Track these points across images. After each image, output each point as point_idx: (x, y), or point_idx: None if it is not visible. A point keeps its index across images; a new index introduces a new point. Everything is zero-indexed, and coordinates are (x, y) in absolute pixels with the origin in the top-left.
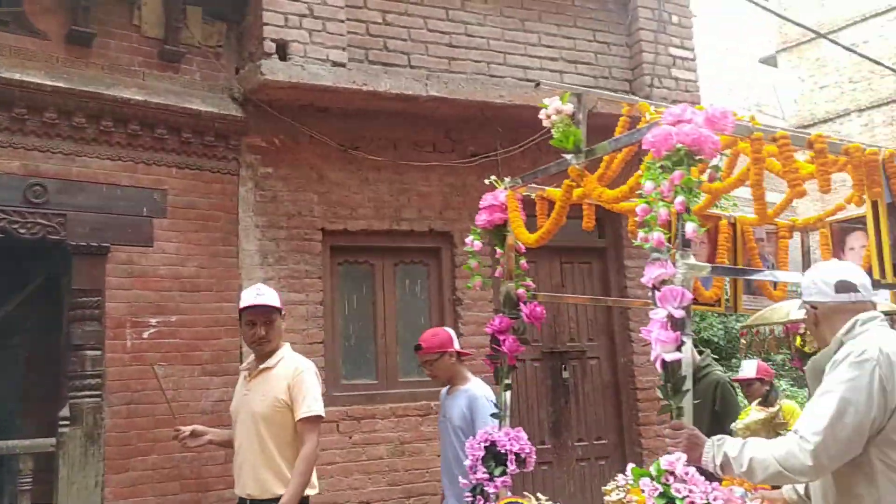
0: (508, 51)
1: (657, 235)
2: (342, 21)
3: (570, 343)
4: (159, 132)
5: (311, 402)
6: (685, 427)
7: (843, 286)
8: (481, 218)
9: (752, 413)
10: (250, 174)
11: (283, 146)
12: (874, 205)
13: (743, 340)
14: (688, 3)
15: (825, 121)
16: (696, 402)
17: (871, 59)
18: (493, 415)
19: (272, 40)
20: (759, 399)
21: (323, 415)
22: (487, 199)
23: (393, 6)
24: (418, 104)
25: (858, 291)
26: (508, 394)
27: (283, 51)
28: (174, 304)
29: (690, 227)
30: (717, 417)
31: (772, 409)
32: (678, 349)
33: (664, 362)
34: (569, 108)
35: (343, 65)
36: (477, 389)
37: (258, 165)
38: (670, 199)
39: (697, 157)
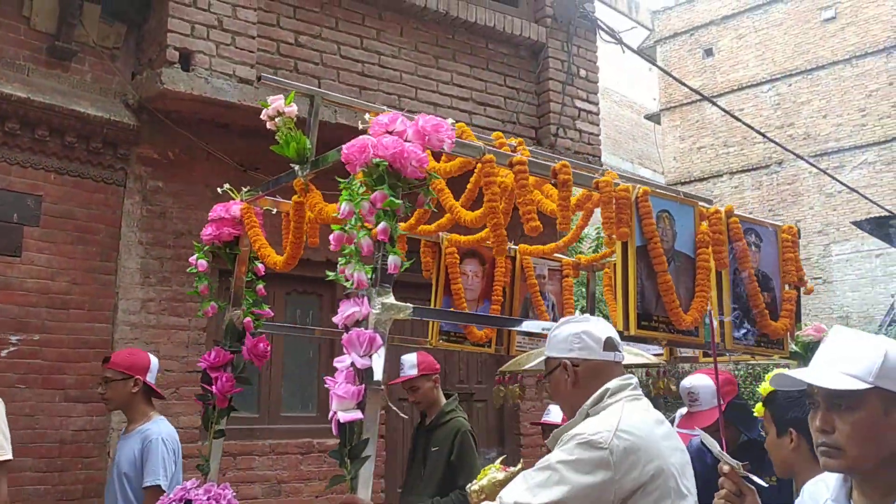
0: (420, 86)
1: (358, 274)
2: (253, 37)
3: (458, 385)
4: (40, 133)
5: None
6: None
7: (611, 344)
8: (206, 232)
9: (492, 472)
10: (138, 187)
11: (178, 160)
12: (623, 247)
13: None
14: (595, 59)
15: (700, 179)
16: (434, 449)
17: (745, 124)
18: (198, 466)
19: (175, 48)
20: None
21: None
22: (217, 211)
23: (307, 28)
24: (326, 131)
25: (619, 351)
26: (219, 442)
27: (186, 61)
28: (40, 321)
29: (393, 261)
30: (451, 469)
31: (513, 469)
32: (360, 407)
33: (339, 423)
34: (293, 109)
35: (250, 82)
36: (156, 430)
37: (148, 178)
38: (372, 224)
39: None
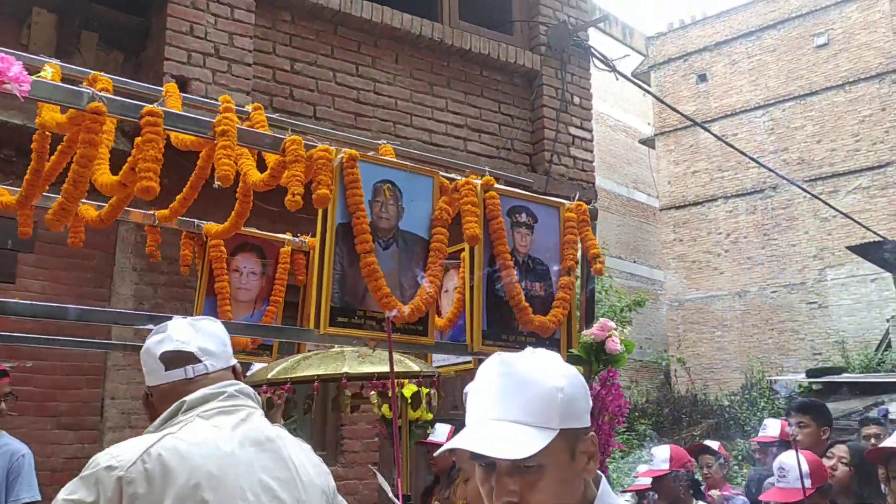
0: (415, 113)
1: None
2: (249, 64)
3: (451, 411)
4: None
5: None
6: None
7: (174, 359)
8: None
9: None
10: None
11: (173, 187)
12: (323, 223)
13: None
14: (589, 86)
15: (695, 203)
16: None
17: (737, 150)
18: None
19: (172, 76)
20: None
21: None
22: None
23: (303, 55)
24: None
25: (200, 361)
26: None
27: (182, 88)
28: (31, 348)
29: None
30: None
31: None
32: None
33: None
34: None
35: (246, 111)
36: (15, 444)
37: (143, 204)
38: None
39: None
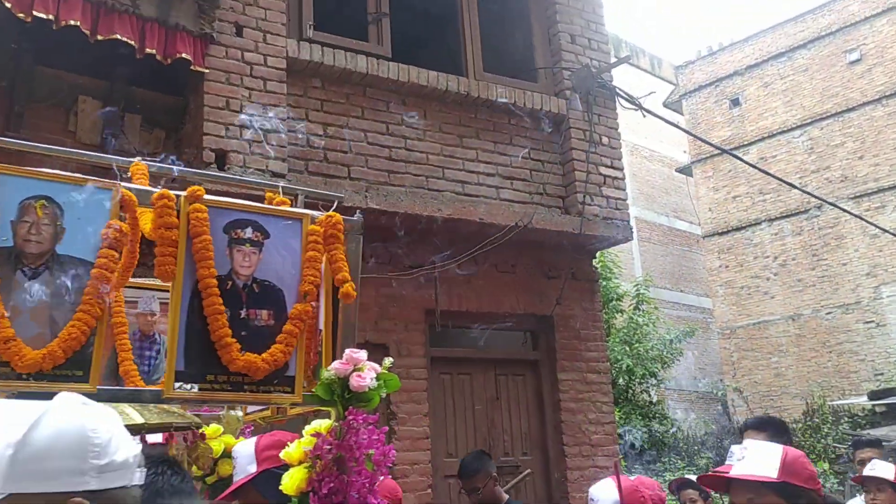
0: (447, 165)
1: None
2: (283, 133)
3: (503, 457)
4: None
5: None
6: None
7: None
8: None
9: None
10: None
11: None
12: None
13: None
14: (616, 126)
15: (738, 228)
16: None
17: (773, 176)
18: None
19: (211, 150)
20: None
21: None
22: None
23: (334, 119)
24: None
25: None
26: None
27: (221, 160)
28: None
29: None
30: None
31: None
32: None
33: None
34: None
35: (283, 175)
36: None
37: None
38: None
39: None
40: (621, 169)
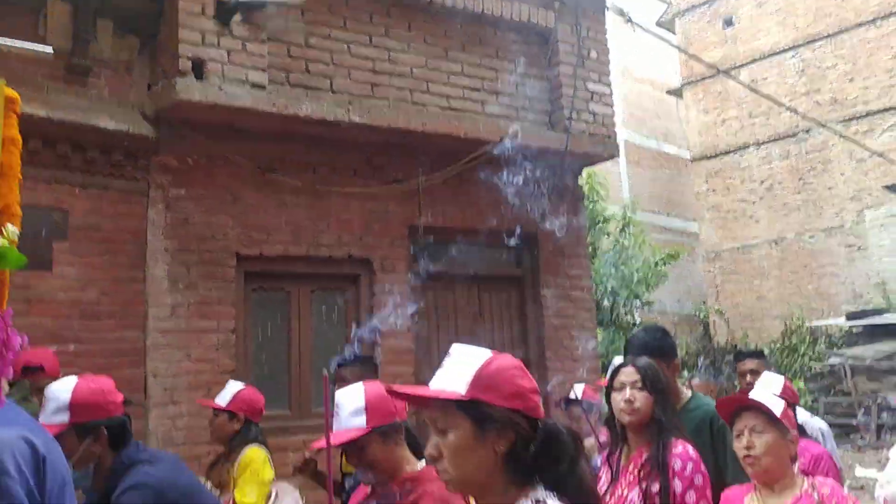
0: (431, 79)
1: None
2: (263, 41)
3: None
4: (62, 150)
5: None
6: None
7: None
8: None
9: None
10: (160, 195)
11: (196, 167)
12: None
13: None
14: (605, 41)
15: (726, 152)
16: None
17: (765, 96)
18: None
19: (188, 58)
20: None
21: None
22: None
23: (316, 29)
24: (340, 130)
25: None
26: None
27: (199, 69)
28: (73, 332)
29: None
30: None
31: None
32: None
33: None
34: None
35: (262, 87)
36: None
37: (169, 186)
38: None
39: None
40: (609, 85)
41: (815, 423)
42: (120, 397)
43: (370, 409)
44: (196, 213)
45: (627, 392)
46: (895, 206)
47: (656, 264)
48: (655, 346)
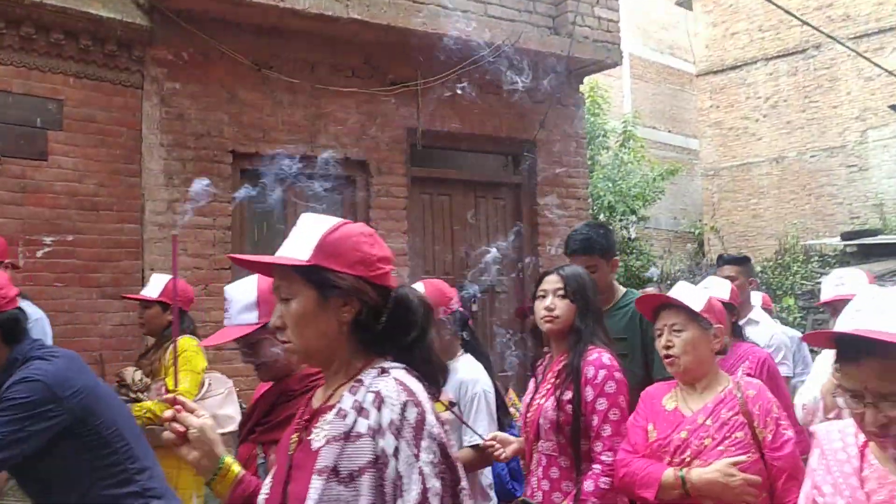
0: None
1: None
2: None
3: (480, 277)
4: (55, 37)
5: None
6: None
7: None
8: None
9: None
10: (156, 89)
11: (192, 61)
12: None
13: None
14: None
15: (733, 67)
16: None
17: (780, 7)
18: None
19: None
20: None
21: None
22: None
23: None
24: (338, 26)
25: None
26: None
27: None
28: (70, 222)
29: None
30: None
31: None
32: None
33: None
34: None
35: None
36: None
37: (164, 80)
38: None
39: None
40: None
41: (783, 332)
42: (14, 291)
43: (262, 303)
44: (192, 109)
45: (549, 300)
46: None
47: (654, 180)
48: (596, 242)
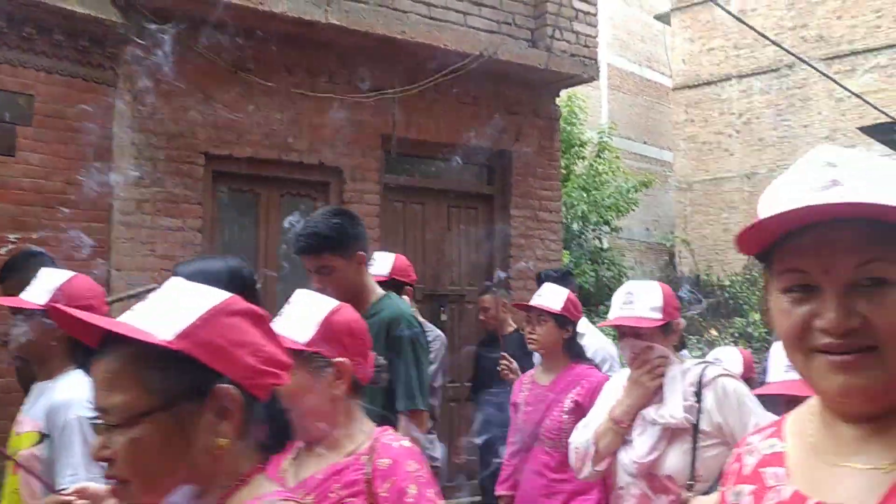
0: None
1: None
2: None
3: (450, 286)
4: (27, 31)
5: None
6: None
7: None
8: None
9: None
10: (128, 87)
11: (167, 60)
12: None
13: None
14: None
15: (708, 83)
16: None
17: (751, 28)
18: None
19: None
20: None
21: None
22: None
23: None
24: (316, 31)
25: None
26: None
27: None
28: (36, 220)
29: None
30: None
31: None
32: None
33: None
34: None
35: None
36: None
37: (137, 78)
38: None
39: None
40: (595, 4)
41: (604, 347)
42: None
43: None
44: (164, 108)
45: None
46: (867, 148)
47: (628, 191)
48: (327, 239)
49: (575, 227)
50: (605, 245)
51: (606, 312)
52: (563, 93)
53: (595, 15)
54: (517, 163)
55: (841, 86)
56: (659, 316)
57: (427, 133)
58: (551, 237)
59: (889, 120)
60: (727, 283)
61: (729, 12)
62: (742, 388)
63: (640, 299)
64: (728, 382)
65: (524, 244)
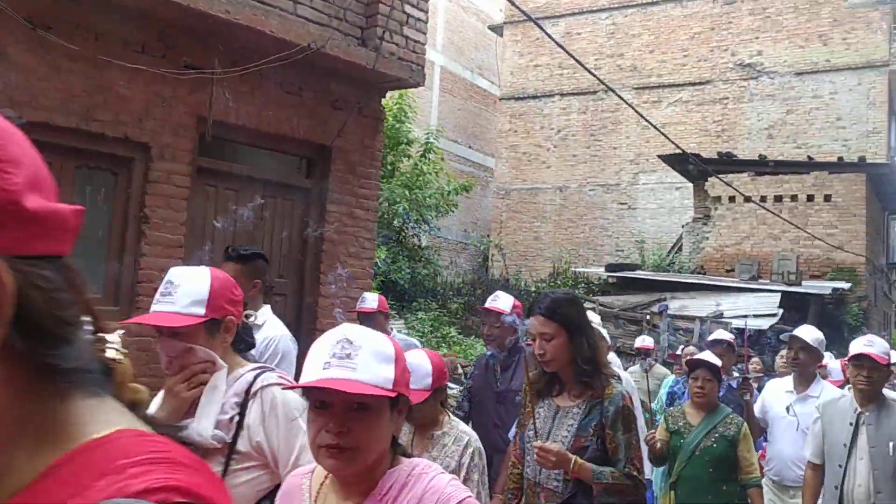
0: None
1: None
2: None
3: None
4: None
5: None
6: None
7: None
8: None
9: None
10: None
11: None
12: None
13: None
14: None
15: (533, 97)
16: None
17: (569, 53)
18: None
19: None
20: None
21: None
22: None
23: None
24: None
25: None
26: None
27: None
28: None
29: None
30: None
31: None
32: None
33: None
34: None
35: None
36: None
37: None
38: None
39: None
40: (426, 12)
41: (288, 336)
42: None
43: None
44: None
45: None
46: (665, 175)
47: (450, 193)
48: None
49: (396, 223)
50: (424, 243)
51: (420, 309)
52: (388, 93)
53: (426, 22)
54: (337, 158)
55: (641, 116)
56: (201, 311)
57: (247, 119)
58: (366, 235)
59: (686, 151)
60: (533, 288)
61: (549, 35)
62: (297, 401)
63: (182, 290)
64: (279, 393)
65: (337, 240)
